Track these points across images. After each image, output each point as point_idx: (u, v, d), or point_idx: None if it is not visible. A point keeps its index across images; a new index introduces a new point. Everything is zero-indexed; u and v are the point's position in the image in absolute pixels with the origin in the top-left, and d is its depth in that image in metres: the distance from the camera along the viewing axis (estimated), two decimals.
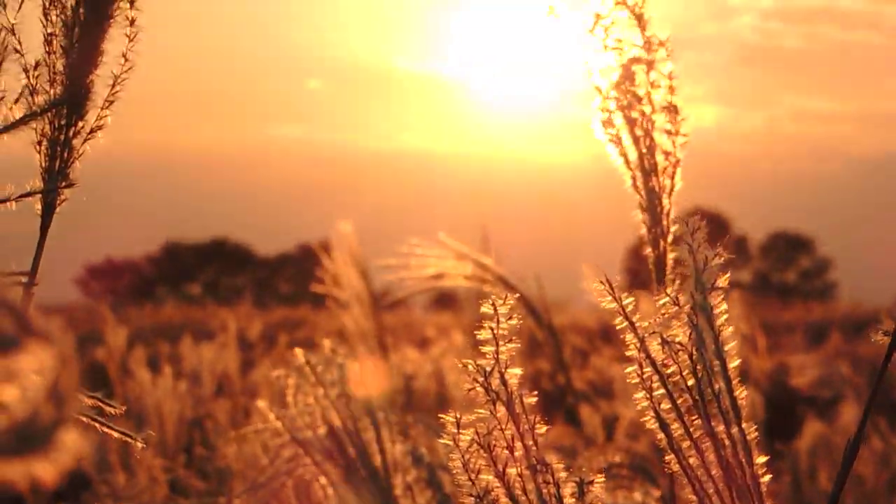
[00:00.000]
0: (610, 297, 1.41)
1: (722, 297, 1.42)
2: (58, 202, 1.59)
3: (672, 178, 2.05)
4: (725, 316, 1.42)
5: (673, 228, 2.05)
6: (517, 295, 1.53)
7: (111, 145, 1.66)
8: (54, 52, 1.62)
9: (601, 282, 1.41)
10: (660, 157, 2.04)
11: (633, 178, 2.04)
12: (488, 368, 1.42)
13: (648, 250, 2.05)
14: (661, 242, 2.05)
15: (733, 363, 1.43)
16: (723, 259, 1.41)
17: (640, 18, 2.00)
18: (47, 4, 1.63)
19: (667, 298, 1.42)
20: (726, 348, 1.43)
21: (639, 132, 2.04)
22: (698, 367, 1.43)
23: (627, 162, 2.04)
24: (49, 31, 1.62)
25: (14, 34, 1.63)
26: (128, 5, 1.62)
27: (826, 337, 12.71)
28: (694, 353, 1.43)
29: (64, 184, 1.58)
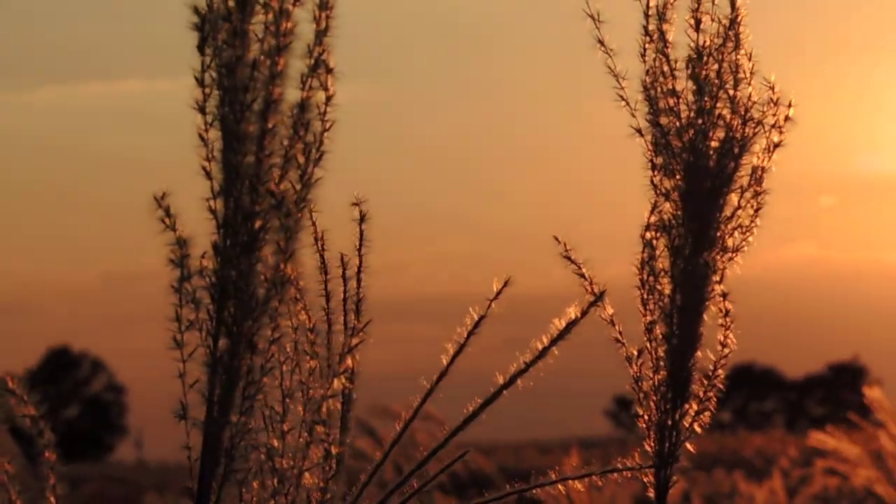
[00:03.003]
0: None
1: None
2: (671, 482, 1.71)
3: None
4: None
5: None
6: None
7: None
8: (655, 339, 1.75)
9: None
10: None
11: None
12: None
13: None
14: None
15: None
16: None
17: None
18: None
19: None
20: None
21: None
22: None
23: None
24: (649, 319, 1.75)
25: (614, 325, 1.77)
26: (720, 289, 1.74)
27: None
28: None
29: (674, 465, 1.70)
